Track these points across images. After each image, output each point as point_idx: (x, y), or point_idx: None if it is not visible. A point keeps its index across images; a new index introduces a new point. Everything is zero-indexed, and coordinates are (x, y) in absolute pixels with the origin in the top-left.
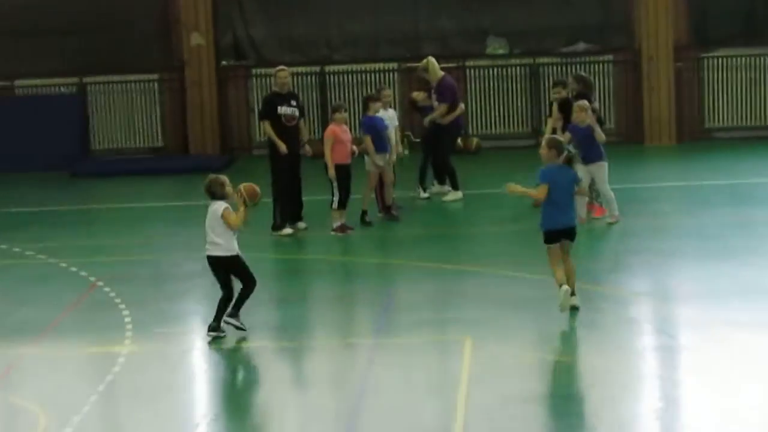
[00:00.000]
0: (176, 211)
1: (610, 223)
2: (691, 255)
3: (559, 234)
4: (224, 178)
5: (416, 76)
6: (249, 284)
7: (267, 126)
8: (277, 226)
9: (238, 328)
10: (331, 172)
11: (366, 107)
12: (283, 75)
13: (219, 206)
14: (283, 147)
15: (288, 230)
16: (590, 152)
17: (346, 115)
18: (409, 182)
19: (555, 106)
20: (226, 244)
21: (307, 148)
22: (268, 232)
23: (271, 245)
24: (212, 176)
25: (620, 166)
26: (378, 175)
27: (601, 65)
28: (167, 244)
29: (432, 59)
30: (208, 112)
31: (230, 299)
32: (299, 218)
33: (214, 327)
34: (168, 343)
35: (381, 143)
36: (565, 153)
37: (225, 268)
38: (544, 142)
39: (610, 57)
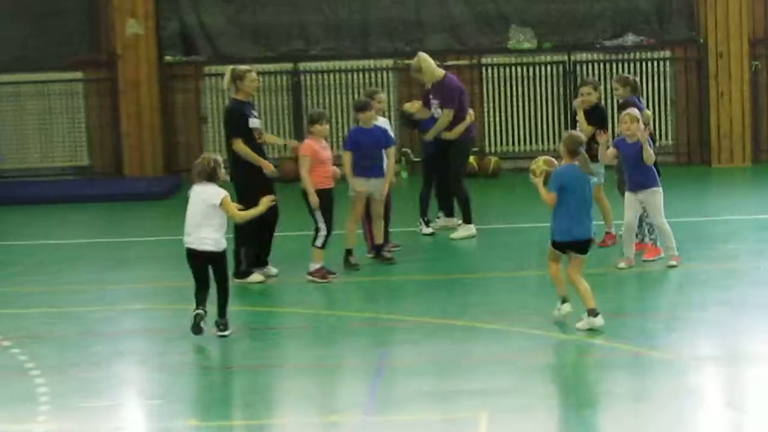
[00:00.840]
0: (107, 249)
1: (671, 266)
2: None
3: (570, 246)
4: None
5: (416, 79)
6: (226, 285)
7: (241, 145)
8: (242, 272)
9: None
10: (313, 199)
11: (358, 112)
12: (255, 78)
13: (217, 192)
14: (270, 166)
15: (258, 277)
16: (642, 175)
17: (327, 127)
18: (408, 214)
19: (581, 114)
20: (218, 238)
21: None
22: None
23: (234, 295)
24: (207, 154)
25: (680, 194)
26: (365, 203)
27: (655, 64)
28: (95, 293)
29: (425, 56)
30: (148, 123)
31: (207, 288)
32: (266, 261)
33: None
34: (94, 420)
35: (367, 163)
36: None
37: (209, 264)
38: (562, 141)
39: (668, 53)
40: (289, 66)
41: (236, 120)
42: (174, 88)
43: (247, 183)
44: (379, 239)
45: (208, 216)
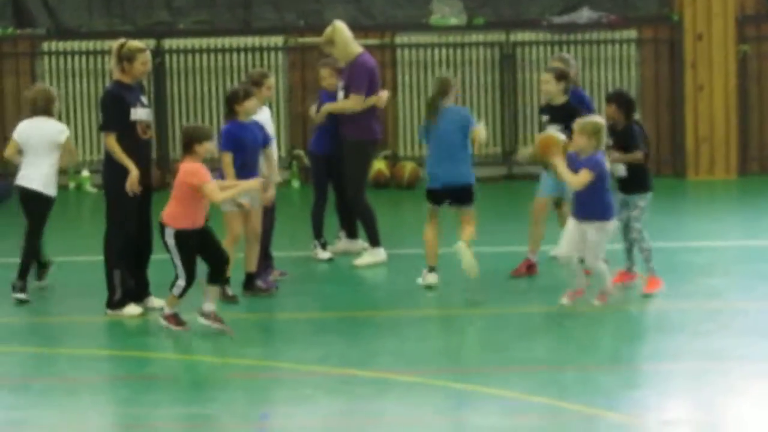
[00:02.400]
0: None
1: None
2: (755, 360)
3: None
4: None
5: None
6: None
7: (112, 141)
8: (115, 302)
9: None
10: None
11: (231, 109)
12: (147, 59)
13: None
14: (135, 172)
15: (134, 309)
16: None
17: (212, 146)
18: (300, 233)
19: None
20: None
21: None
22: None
23: (97, 331)
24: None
25: (649, 214)
26: (242, 219)
27: (617, 47)
28: None
29: (341, 26)
30: None
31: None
32: (147, 290)
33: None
34: None
35: (248, 166)
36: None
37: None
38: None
39: (633, 34)
40: (149, 43)
41: (113, 108)
42: (3, 69)
43: (117, 189)
44: (251, 267)
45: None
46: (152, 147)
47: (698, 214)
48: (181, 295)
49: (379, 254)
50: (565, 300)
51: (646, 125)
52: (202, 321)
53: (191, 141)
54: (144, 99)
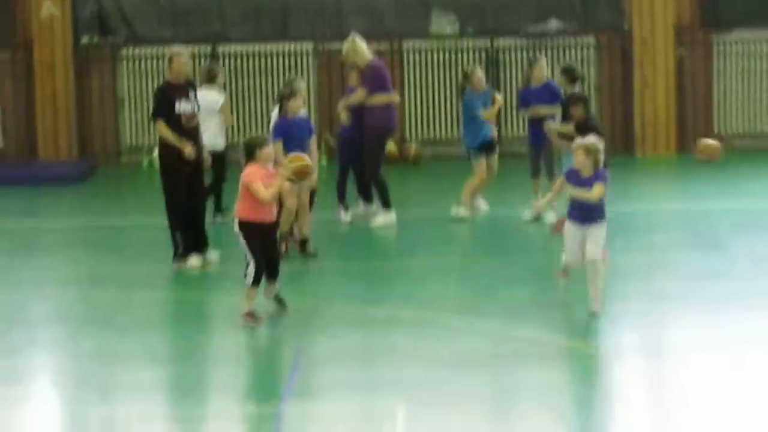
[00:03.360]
0: (21, 234)
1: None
2: (692, 300)
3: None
4: None
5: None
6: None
7: (161, 126)
8: (178, 255)
9: None
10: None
11: (281, 107)
12: (182, 60)
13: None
14: (188, 149)
15: (195, 261)
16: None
17: (271, 149)
18: (327, 199)
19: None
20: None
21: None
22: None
23: (168, 280)
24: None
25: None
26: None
27: (579, 50)
28: (9, 279)
29: (357, 39)
30: (63, 106)
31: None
32: (206, 246)
33: None
34: (9, 407)
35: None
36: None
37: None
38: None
39: (592, 40)
40: (206, 48)
41: (160, 102)
42: (90, 71)
43: (167, 166)
44: (305, 232)
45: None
46: (198, 133)
47: (645, 184)
48: (254, 281)
49: (391, 216)
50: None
51: (603, 115)
52: (276, 307)
53: (252, 149)
54: (190, 95)
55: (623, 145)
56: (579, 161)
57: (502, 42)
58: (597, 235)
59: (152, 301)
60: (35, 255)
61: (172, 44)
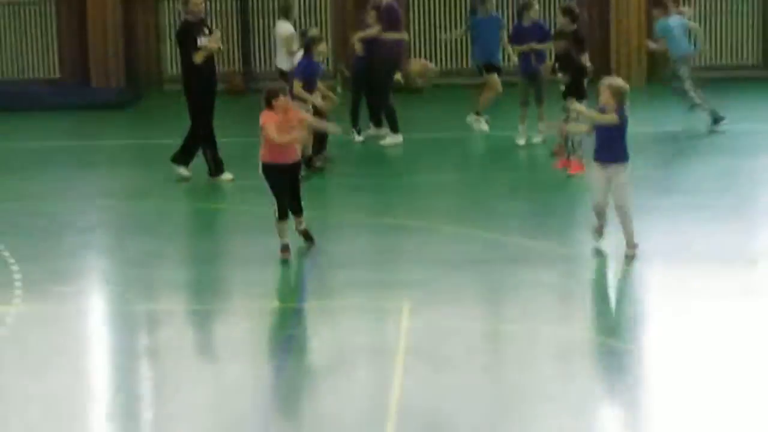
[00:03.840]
0: (75, 152)
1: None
2: (660, 212)
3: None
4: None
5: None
6: None
7: (199, 56)
8: (214, 170)
9: None
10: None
11: (308, 49)
12: (199, 1)
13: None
14: (214, 45)
15: (229, 175)
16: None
17: (288, 99)
18: (342, 122)
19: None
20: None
21: None
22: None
23: (205, 193)
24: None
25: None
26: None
27: None
28: (65, 191)
29: None
30: (112, 38)
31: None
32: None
33: None
34: (63, 303)
35: (312, 90)
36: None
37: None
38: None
39: None
40: None
41: (185, 39)
42: (135, 7)
43: (195, 92)
44: (308, 152)
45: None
46: (213, 60)
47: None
48: (280, 217)
49: (398, 138)
50: (596, 240)
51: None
52: (305, 243)
53: (269, 98)
54: (206, 30)
55: (599, 72)
56: (604, 98)
57: None
58: (622, 178)
59: (190, 211)
60: (88, 170)
61: None
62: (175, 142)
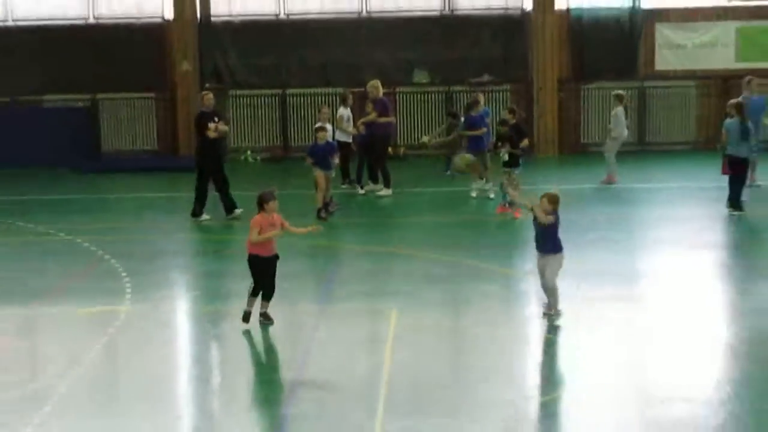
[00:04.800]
0: (167, 201)
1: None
2: (571, 243)
3: None
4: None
5: (361, 97)
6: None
7: (201, 133)
8: (227, 210)
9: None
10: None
11: (316, 134)
12: (209, 96)
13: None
14: (219, 128)
15: (205, 217)
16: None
17: (276, 204)
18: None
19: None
20: None
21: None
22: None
23: (222, 227)
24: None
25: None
26: (324, 179)
27: (501, 93)
28: (158, 228)
29: (378, 82)
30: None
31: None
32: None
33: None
34: (158, 304)
35: (323, 163)
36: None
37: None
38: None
39: (508, 87)
40: (278, 91)
41: (200, 123)
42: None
43: (206, 161)
44: (321, 203)
45: None
46: (221, 142)
47: (541, 170)
48: (253, 294)
49: (389, 191)
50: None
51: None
52: (260, 318)
53: (261, 201)
54: (216, 118)
55: (529, 148)
56: (543, 205)
57: (454, 88)
58: (553, 263)
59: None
60: (174, 214)
61: (259, 89)
62: (238, 193)
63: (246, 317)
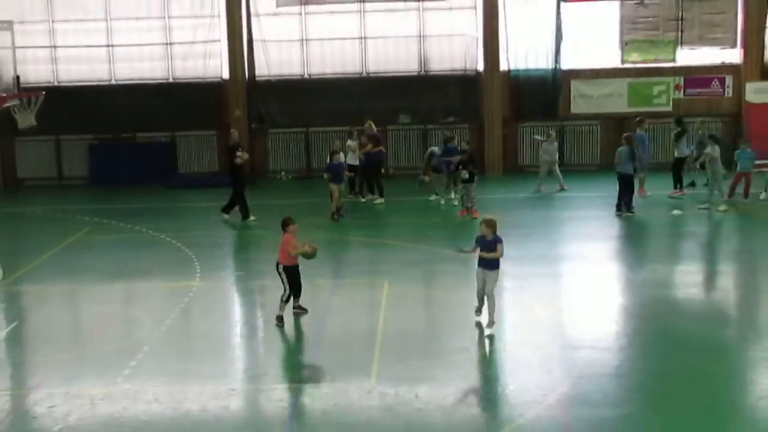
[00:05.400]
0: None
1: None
2: (511, 236)
3: None
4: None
5: (361, 132)
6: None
7: (238, 159)
8: (244, 214)
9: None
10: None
11: (331, 157)
12: (235, 134)
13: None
14: (243, 158)
15: (252, 218)
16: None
17: (296, 227)
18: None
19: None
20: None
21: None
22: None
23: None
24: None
25: (476, 190)
26: (337, 190)
27: (462, 130)
28: (220, 227)
29: (371, 121)
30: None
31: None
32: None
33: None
34: (220, 281)
35: (337, 178)
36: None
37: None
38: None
39: (467, 125)
40: (303, 129)
41: (231, 152)
42: (256, 139)
43: (235, 182)
44: (337, 206)
45: None
46: (243, 164)
47: (491, 186)
48: (286, 300)
49: (382, 200)
50: (477, 316)
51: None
52: (294, 311)
53: (285, 224)
54: (240, 148)
55: (480, 169)
56: (483, 230)
57: (429, 126)
58: (492, 277)
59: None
60: (233, 218)
61: (290, 128)
62: (276, 202)
63: (281, 320)
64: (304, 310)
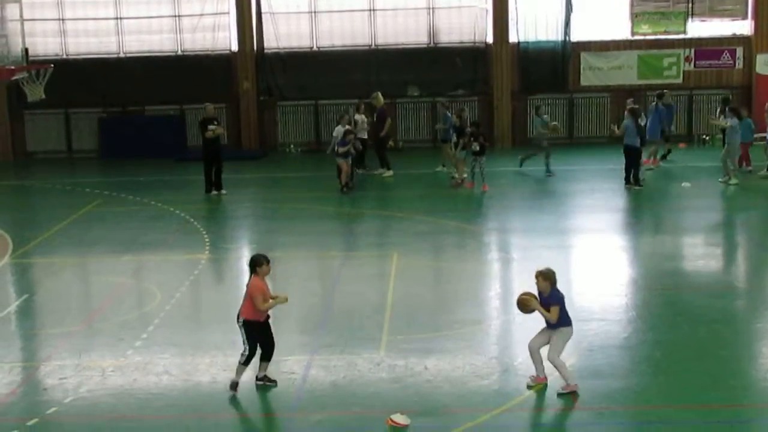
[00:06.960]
0: (231, 181)
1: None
2: (519, 208)
3: None
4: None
5: (368, 104)
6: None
7: (204, 131)
8: (211, 186)
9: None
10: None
11: (345, 134)
12: (210, 107)
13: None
14: (215, 131)
15: (223, 191)
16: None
17: (269, 268)
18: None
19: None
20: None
21: None
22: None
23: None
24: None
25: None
26: (345, 164)
27: (471, 103)
28: (228, 199)
29: (380, 94)
30: (254, 125)
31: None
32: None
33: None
34: (229, 253)
35: (341, 149)
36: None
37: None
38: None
39: (476, 98)
40: (313, 102)
41: (201, 125)
42: (264, 111)
43: (206, 151)
44: (345, 180)
45: None
46: (218, 139)
47: (499, 159)
48: (245, 363)
49: (391, 173)
50: (529, 381)
51: (484, 128)
52: (258, 383)
53: (254, 265)
54: (215, 122)
55: (490, 142)
56: (541, 285)
57: (438, 99)
58: (557, 340)
59: (294, 207)
60: (243, 191)
61: (298, 101)
62: (286, 175)
63: (234, 386)
64: (273, 382)
